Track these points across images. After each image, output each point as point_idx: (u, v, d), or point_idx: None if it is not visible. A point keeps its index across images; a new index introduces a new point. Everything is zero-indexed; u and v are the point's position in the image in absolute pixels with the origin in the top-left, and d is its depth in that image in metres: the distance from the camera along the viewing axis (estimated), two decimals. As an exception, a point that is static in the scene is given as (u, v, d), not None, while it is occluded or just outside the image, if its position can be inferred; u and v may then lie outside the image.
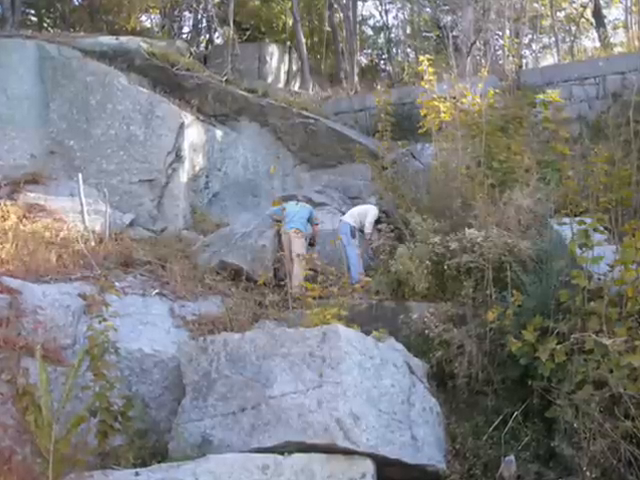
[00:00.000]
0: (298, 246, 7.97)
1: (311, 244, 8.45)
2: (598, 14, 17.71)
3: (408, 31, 20.50)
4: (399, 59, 19.35)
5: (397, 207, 8.32)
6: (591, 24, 18.91)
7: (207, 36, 17.50)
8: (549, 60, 18.35)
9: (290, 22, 17.79)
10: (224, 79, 12.11)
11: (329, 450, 4.30)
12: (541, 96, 6.83)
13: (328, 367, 4.52)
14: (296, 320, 6.10)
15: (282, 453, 4.30)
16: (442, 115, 8.37)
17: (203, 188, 11.05)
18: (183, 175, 10.45)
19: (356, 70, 16.23)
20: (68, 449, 4.13)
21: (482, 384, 5.39)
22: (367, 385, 4.62)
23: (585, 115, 11.03)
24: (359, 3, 19.50)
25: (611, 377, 4.31)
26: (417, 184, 8.72)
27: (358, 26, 18.93)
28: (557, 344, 4.75)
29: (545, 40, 19.50)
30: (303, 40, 16.39)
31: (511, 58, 12.88)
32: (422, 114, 8.62)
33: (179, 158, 10.38)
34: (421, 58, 9.03)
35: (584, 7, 18.79)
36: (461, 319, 5.81)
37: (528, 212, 6.59)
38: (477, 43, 13.81)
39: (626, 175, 6.45)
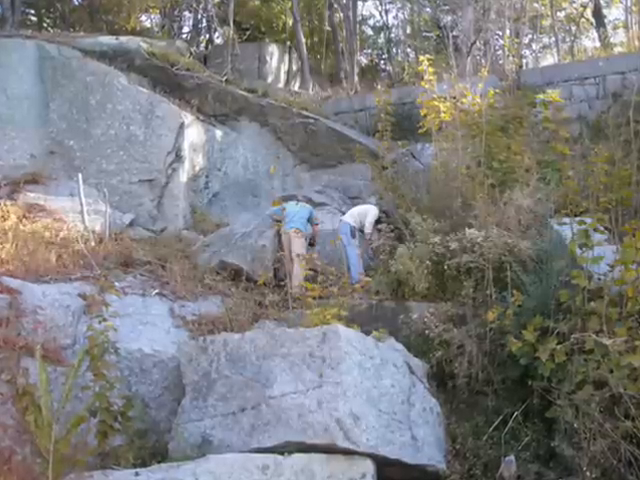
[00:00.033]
0: (298, 246, 7.97)
1: (311, 244, 8.45)
2: (598, 14, 17.71)
3: (408, 31, 20.52)
4: (399, 59, 19.35)
5: (397, 207, 8.32)
6: (591, 24, 18.92)
7: (207, 36, 17.51)
8: (549, 60, 18.39)
9: (290, 22, 17.79)
10: (224, 79, 12.11)
11: (329, 450, 4.30)
12: (541, 96, 6.82)
13: (328, 367, 4.52)
14: (296, 320, 6.10)
15: (282, 453, 4.29)
16: (442, 115, 8.37)
17: (203, 188, 11.05)
18: (183, 175, 10.45)
19: (356, 70, 16.23)
20: (68, 449, 4.12)
21: (482, 384, 5.39)
22: (367, 385, 4.62)
23: (585, 115, 11.03)
24: (359, 3, 19.54)
25: (611, 377, 4.31)
26: (417, 184, 8.72)
27: (358, 26, 18.94)
28: (557, 344, 4.74)
29: (545, 40, 19.52)
30: (303, 40, 16.39)
31: (511, 58, 12.87)
32: (422, 114, 8.62)
33: (179, 158, 10.38)
34: (421, 58, 9.02)
35: (584, 7, 18.79)
36: (461, 319, 5.80)
37: (528, 212, 6.59)
38: (477, 43, 13.81)
39: (626, 175, 6.46)
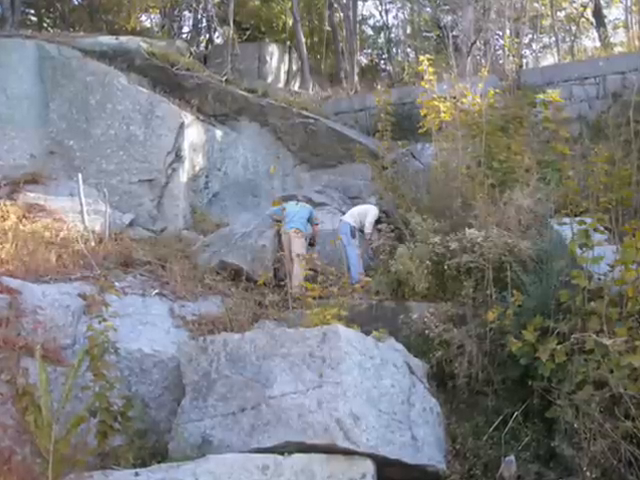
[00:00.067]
0: (298, 246, 7.97)
1: (311, 244, 8.45)
2: (598, 14, 17.71)
3: (408, 31, 20.53)
4: (399, 59, 19.35)
5: (397, 207, 8.32)
6: (591, 24, 18.92)
7: (207, 36, 17.51)
8: (549, 60, 18.37)
9: (290, 22, 17.78)
10: (224, 79, 12.11)
11: (329, 450, 4.29)
12: (541, 96, 6.82)
13: (328, 367, 4.52)
14: (296, 320, 6.10)
15: (282, 453, 4.29)
16: (442, 115, 8.37)
17: (203, 188, 11.05)
18: (183, 175, 10.44)
19: (356, 70, 16.23)
20: (68, 449, 4.13)
21: (482, 384, 5.38)
22: (367, 385, 4.62)
23: (585, 115, 11.02)
24: (359, 3, 19.52)
25: (611, 377, 4.30)
26: (417, 184, 8.72)
27: (358, 26, 18.93)
28: (557, 344, 4.74)
29: (545, 40, 19.51)
30: (303, 40, 16.38)
31: (511, 58, 12.86)
32: (422, 114, 8.62)
33: (179, 158, 10.38)
34: (421, 58, 9.03)
35: (584, 7, 18.79)
36: (461, 319, 5.80)
37: (528, 212, 6.59)
38: (477, 43, 13.81)
39: (626, 175, 6.46)
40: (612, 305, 4.68)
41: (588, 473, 4.29)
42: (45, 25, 15.80)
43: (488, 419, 5.16)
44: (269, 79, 15.57)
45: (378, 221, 8.21)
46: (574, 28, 19.21)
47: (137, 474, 4.09)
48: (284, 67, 16.58)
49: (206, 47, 16.84)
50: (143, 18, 18.13)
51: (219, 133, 11.53)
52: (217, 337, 5.17)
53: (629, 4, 16.97)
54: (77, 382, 4.43)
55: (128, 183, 9.91)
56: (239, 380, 4.71)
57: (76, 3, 16.77)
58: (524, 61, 14.53)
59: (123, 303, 6.04)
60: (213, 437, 4.58)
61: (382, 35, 20.88)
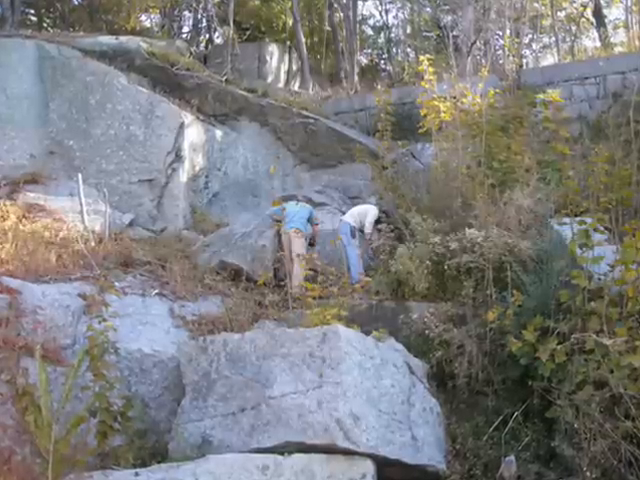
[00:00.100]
0: (298, 246, 7.97)
1: (311, 244, 8.45)
2: (598, 14, 17.71)
3: (408, 31, 20.53)
4: (399, 59, 19.35)
5: (397, 207, 8.32)
6: (591, 24, 18.92)
7: (207, 36, 17.51)
8: (549, 60, 18.38)
9: (290, 22, 17.78)
10: (224, 79, 12.11)
11: (329, 450, 4.29)
12: (541, 96, 6.83)
13: (328, 367, 4.51)
14: (296, 320, 6.10)
15: (282, 453, 4.29)
16: (442, 115, 8.37)
17: (203, 188, 11.04)
18: (183, 175, 10.44)
19: (356, 70, 16.23)
20: (68, 449, 4.13)
21: (482, 384, 5.38)
22: (367, 385, 4.62)
23: (585, 115, 11.02)
24: (359, 3, 19.52)
25: (611, 377, 4.30)
26: (417, 184, 8.71)
27: (358, 26, 18.93)
28: (557, 344, 4.74)
29: (545, 40, 19.52)
30: (303, 40, 16.38)
31: (511, 58, 12.86)
32: (422, 114, 8.62)
33: (179, 158, 10.37)
34: (421, 58, 9.03)
35: (584, 7, 18.79)
36: (461, 319, 5.80)
37: (528, 212, 6.59)
38: (477, 43, 13.81)
39: (626, 175, 6.46)
40: (612, 305, 4.68)
41: (588, 473, 4.29)
42: (45, 25, 15.79)
43: (488, 419, 5.16)
44: (269, 79, 15.57)
45: (378, 221, 8.21)
46: (574, 28, 19.21)
47: (137, 474, 4.09)
48: (284, 67, 16.58)
49: (206, 47, 16.83)
50: (143, 18, 18.16)
51: (219, 133, 11.53)
52: (217, 337, 5.16)
53: (629, 4, 16.99)
54: (77, 382, 4.43)
55: (128, 183, 9.90)
56: (239, 380, 4.71)
57: (76, 3, 16.78)
58: (524, 61, 14.53)
59: (123, 303, 6.04)
60: (213, 437, 4.58)
61: (382, 35, 20.90)
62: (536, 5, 17.05)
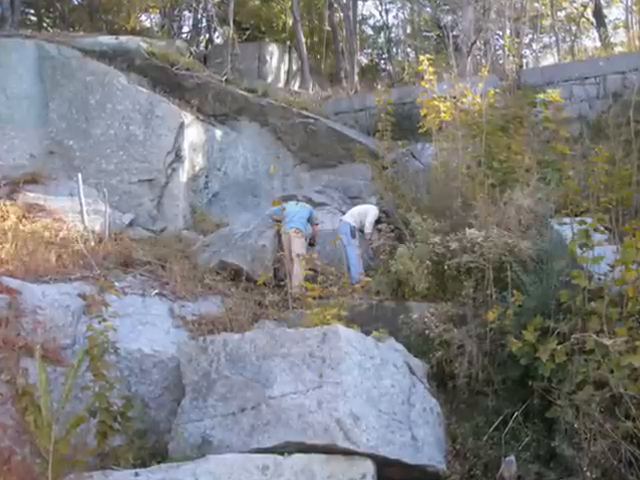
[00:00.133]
0: (298, 246, 7.97)
1: (311, 244, 8.45)
2: (599, 14, 17.71)
3: (408, 31, 20.55)
4: (399, 59, 19.36)
5: (397, 207, 8.31)
6: (591, 24, 18.92)
7: (207, 36, 17.51)
8: (549, 60, 18.38)
9: (290, 22, 17.78)
10: (224, 79, 12.11)
11: (329, 450, 4.29)
12: (541, 96, 6.84)
13: (328, 367, 4.51)
14: (296, 320, 6.10)
15: (282, 453, 4.29)
16: (442, 115, 8.37)
17: (203, 188, 11.04)
18: (183, 175, 10.44)
19: (356, 70, 16.24)
20: (67, 449, 4.12)
21: (482, 384, 5.38)
22: (367, 385, 4.61)
23: (586, 115, 11.02)
24: (359, 3, 19.53)
25: (612, 377, 4.30)
26: (417, 184, 8.71)
27: (358, 26, 18.94)
28: (558, 344, 4.74)
29: (545, 40, 19.52)
30: (303, 40, 16.38)
31: (511, 58, 12.87)
32: (422, 114, 8.62)
33: (179, 158, 10.37)
34: (421, 58, 9.03)
35: (584, 7, 18.80)
36: (461, 319, 5.80)
37: (528, 212, 6.59)
38: (477, 43, 13.82)
39: (627, 175, 6.46)
40: (612, 305, 4.68)
41: (588, 473, 4.29)
42: (45, 25, 15.80)
43: (488, 419, 5.15)
44: (269, 79, 15.56)
45: (378, 221, 8.20)
46: (574, 28, 19.22)
47: (137, 474, 4.09)
48: (284, 67, 16.57)
49: (206, 47, 16.83)
50: (143, 18, 18.16)
51: (219, 133, 11.53)
52: (217, 337, 5.16)
53: (629, 4, 16.98)
54: (77, 382, 4.43)
55: (128, 183, 9.90)
56: (239, 380, 4.71)
57: (76, 3, 16.78)
58: (524, 61, 14.54)
59: (123, 303, 6.03)
60: (213, 437, 4.58)
61: (382, 35, 20.91)
62: (536, 5, 17.06)
